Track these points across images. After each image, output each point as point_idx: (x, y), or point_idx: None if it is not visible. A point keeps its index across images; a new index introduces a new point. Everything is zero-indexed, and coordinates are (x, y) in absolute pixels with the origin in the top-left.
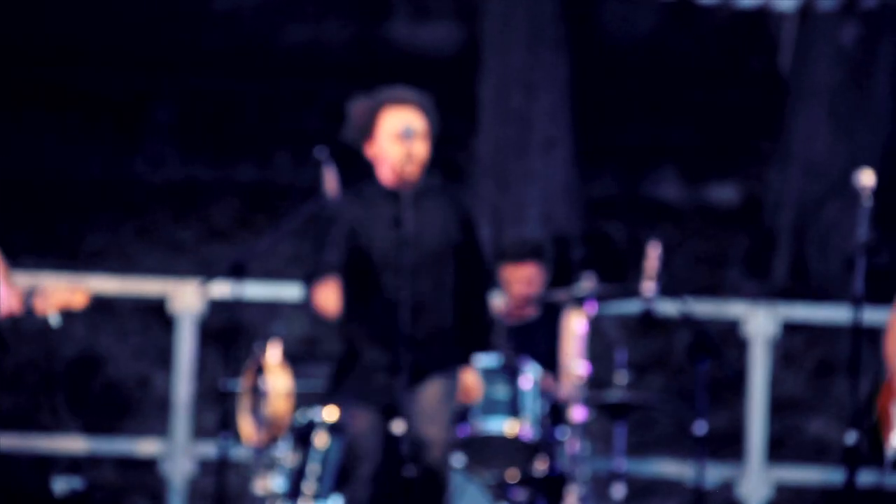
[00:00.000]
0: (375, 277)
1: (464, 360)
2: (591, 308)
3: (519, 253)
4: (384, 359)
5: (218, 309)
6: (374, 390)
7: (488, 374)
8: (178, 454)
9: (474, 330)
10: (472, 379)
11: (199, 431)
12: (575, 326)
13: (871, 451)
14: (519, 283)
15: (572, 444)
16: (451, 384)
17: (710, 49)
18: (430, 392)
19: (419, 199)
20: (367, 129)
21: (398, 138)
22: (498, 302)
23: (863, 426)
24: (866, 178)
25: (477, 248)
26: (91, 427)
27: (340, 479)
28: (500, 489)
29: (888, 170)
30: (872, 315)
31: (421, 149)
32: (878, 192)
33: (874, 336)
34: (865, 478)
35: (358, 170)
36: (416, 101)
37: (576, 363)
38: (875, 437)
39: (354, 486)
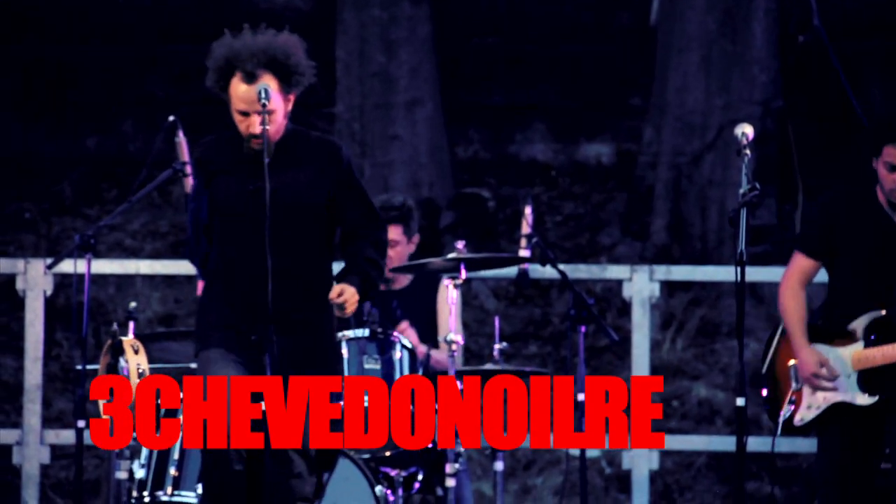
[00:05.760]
0: (228, 237)
1: (328, 316)
2: (464, 275)
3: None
4: (235, 321)
5: (68, 288)
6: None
7: (359, 347)
8: (31, 442)
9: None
10: (349, 290)
11: (53, 417)
12: (448, 295)
13: (770, 412)
14: None
15: None
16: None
17: (576, 1)
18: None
19: (282, 153)
20: (220, 88)
21: (241, 113)
22: None
23: (763, 386)
24: (745, 130)
25: (360, 198)
26: None
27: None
28: (377, 464)
29: (767, 121)
30: (755, 274)
31: (270, 120)
32: (757, 144)
33: (758, 296)
34: (753, 443)
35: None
36: (268, 69)
37: (450, 333)
38: (772, 398)
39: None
